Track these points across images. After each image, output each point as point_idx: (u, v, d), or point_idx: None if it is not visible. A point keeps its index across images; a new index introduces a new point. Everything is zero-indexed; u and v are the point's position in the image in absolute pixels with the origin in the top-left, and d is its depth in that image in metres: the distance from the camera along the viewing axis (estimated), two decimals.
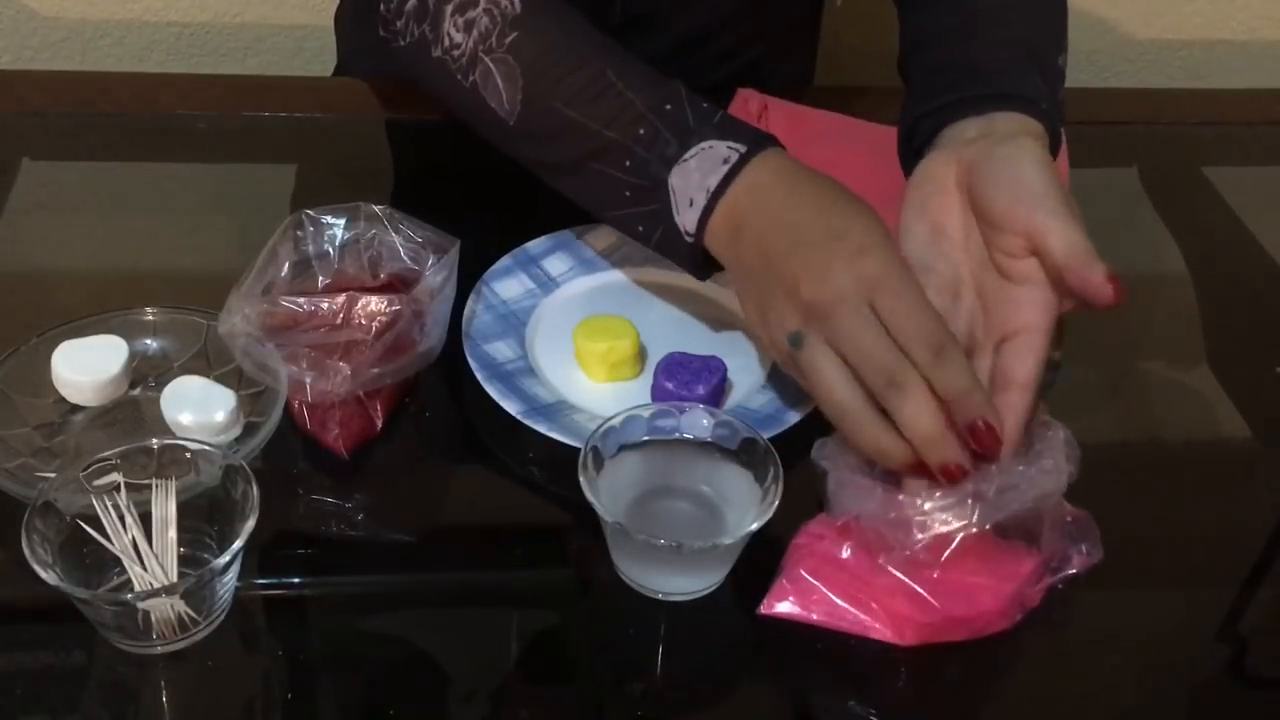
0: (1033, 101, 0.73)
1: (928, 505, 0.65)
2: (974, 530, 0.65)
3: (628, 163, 0.74)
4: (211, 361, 0.76)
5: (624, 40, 0.81)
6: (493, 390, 0.76)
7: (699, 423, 0.70)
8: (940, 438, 0.63)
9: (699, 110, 0.74)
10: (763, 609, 0.67)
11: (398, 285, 0.79)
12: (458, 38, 0.79)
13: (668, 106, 0.74)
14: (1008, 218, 0.67)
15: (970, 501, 0.65)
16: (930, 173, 0.72)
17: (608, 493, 0.66)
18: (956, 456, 0.63)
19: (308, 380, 0.71)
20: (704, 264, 0.75)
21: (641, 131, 0.74)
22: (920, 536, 0.64)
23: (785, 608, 0.67)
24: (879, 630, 0.66)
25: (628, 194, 0.75)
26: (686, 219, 0.73)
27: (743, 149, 0.72)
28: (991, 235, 0.69)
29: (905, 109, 0.79)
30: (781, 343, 0.68)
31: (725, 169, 0.71)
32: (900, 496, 0.65)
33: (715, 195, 0.71)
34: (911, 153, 0.76)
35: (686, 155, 0.72)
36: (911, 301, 0.65)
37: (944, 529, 0.64)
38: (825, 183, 0.71)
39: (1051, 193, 0.67)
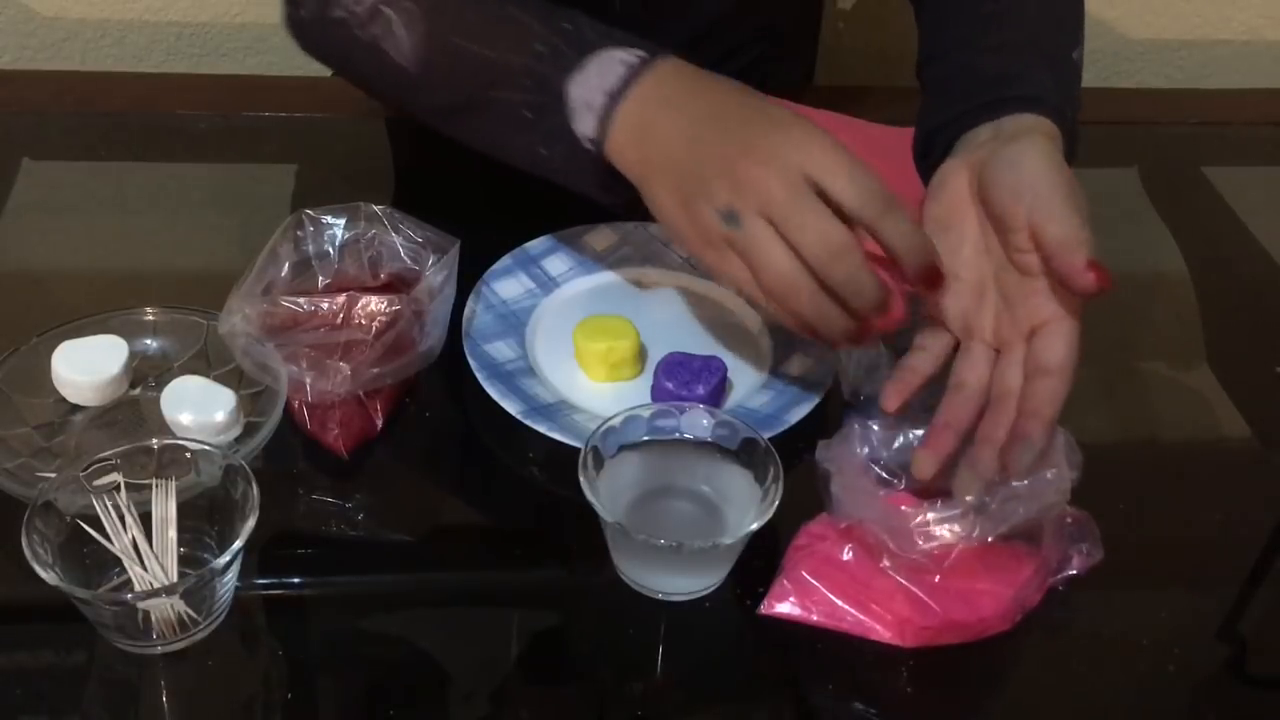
0: (1043, 101, 0.73)
1: (930, 515, 0.65)
2: (975, 542, 0.65)
3: (527, 81, 0.73)
4: (211, 361, 0.76)
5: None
6: (493, 390, 0.76)
7: (699, 423, 0.70)
8: (884, 301, 0.66)
9: (599, 28, 0.74)
10: (763, 609, 0.67)
11: (398, 285, 0.79)
12: None
13: (566, 25, 0.74)
14: (1010, 214, 0.67)
15: (972, 514, 0.65)
16: (944, 181, 0.72)
17: (608, 493, 0.66)
18: (897, 320, 0.67)
19: (308, 380, 0.71)
20: (609, 181, 0.74)
21: (540, 48, 0.73)
22: (922, 546, 0.64)
23: (785, 608, 0.67)
24: (879, 632, 0.66)
25: (528, 114, 0.74)
26: (586, 124, 0.72)
27: (643, 54, 0.72)
28: (1002, 234, 0.69)
29: (919, 120, 0.79)
30: (713, 227, 0.67)
31: (625, 70, 0.71)
32: (904, 506, 0.65)
33: (616, 97, 0.71)
34: (929, 167, 0.76)
35: (584, 63, 0.72)
36: (847, 165, 0.66)
37: (946, 539, 0.64)
38: (729, 80, 0.72)
39: (1050, 186, 0.67)
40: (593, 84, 0.71)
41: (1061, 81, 0.77)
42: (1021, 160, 0.68)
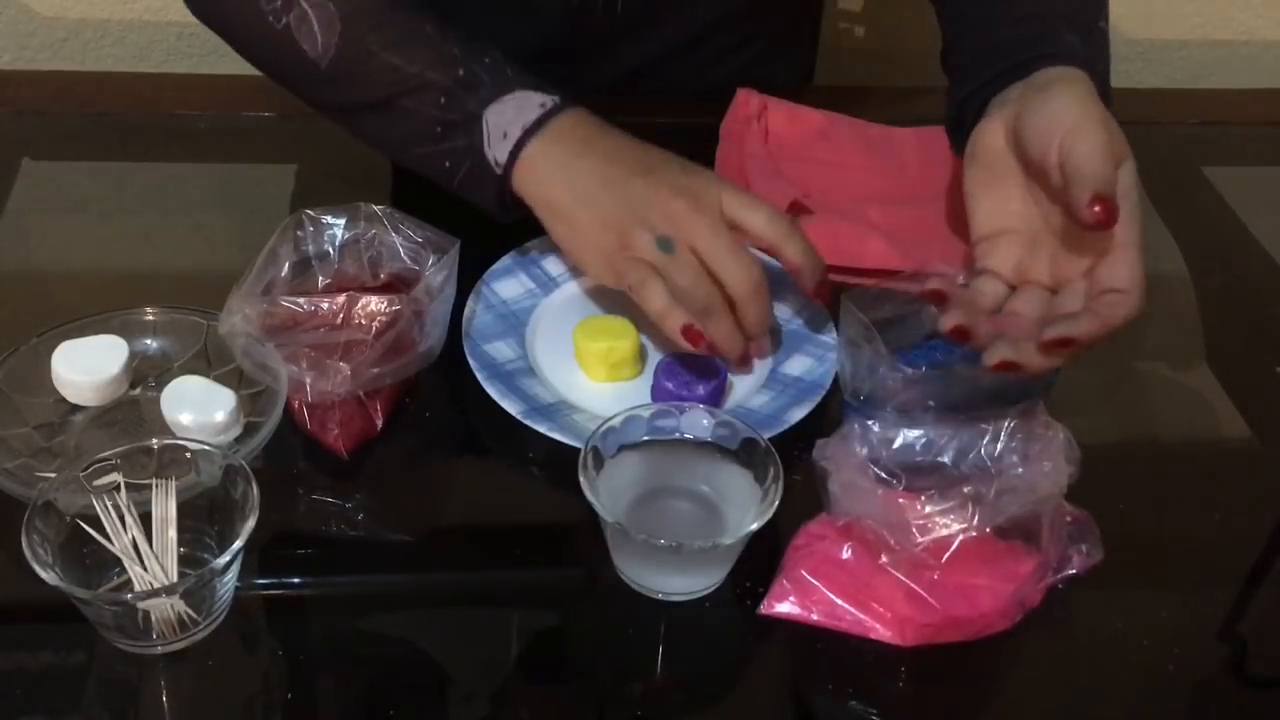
0: (1073, 56, 0.73)
1: (928, 508, 0.65)
2: (974, 532, 0.65)
3: (442, 99, 0.78)
4: (211, 361, 0.76)
5: (624, 39, 0.82)
6: (493, 390, 0.76)
7: (699, 423, 0.70)
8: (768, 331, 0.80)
9: (516, 68, 0.80)
10: (763, 609, 0.67)
11: (398, 285, 0.79)
12: None
13: (486, 60, 0.79)
14: (1045, 156, 0.68)
15: (970, 504, 0.65)
16: (981, 142, 0.72)
17: (608, 493, 0.66)
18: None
19: (308, 380, 0.71)
20: (506, 202, 0.80)
21: (460, 73, 0.78)
22: (920, 539, 0.64)
23: (785, 608, 0.67)
24: (879, 631, 0.66)
25: (438, 130, 0.79)
26: (499, 151, 0.78)
27: (557, 99, 0.79)
28: (1044, 181, 0.69)
29: (950, 96, 0.80)
30: (645, 251, 0.75)
31: (540, 111, 0.78)
32: (901, 499, 0.65)
33: (530, 132, 0.77)
34: (962, 135, 0.76)
35: (503, 97, 0.78)
36: (755, 201, 0.77)
37: (944, 531, 0.65)
38: (626, 133, 0.80)
39: (1079, 116, 0.67)
40: (509, 116, 0.78)
41: (1091, 46, 0.77)
42: (1051, 101, 0.69)
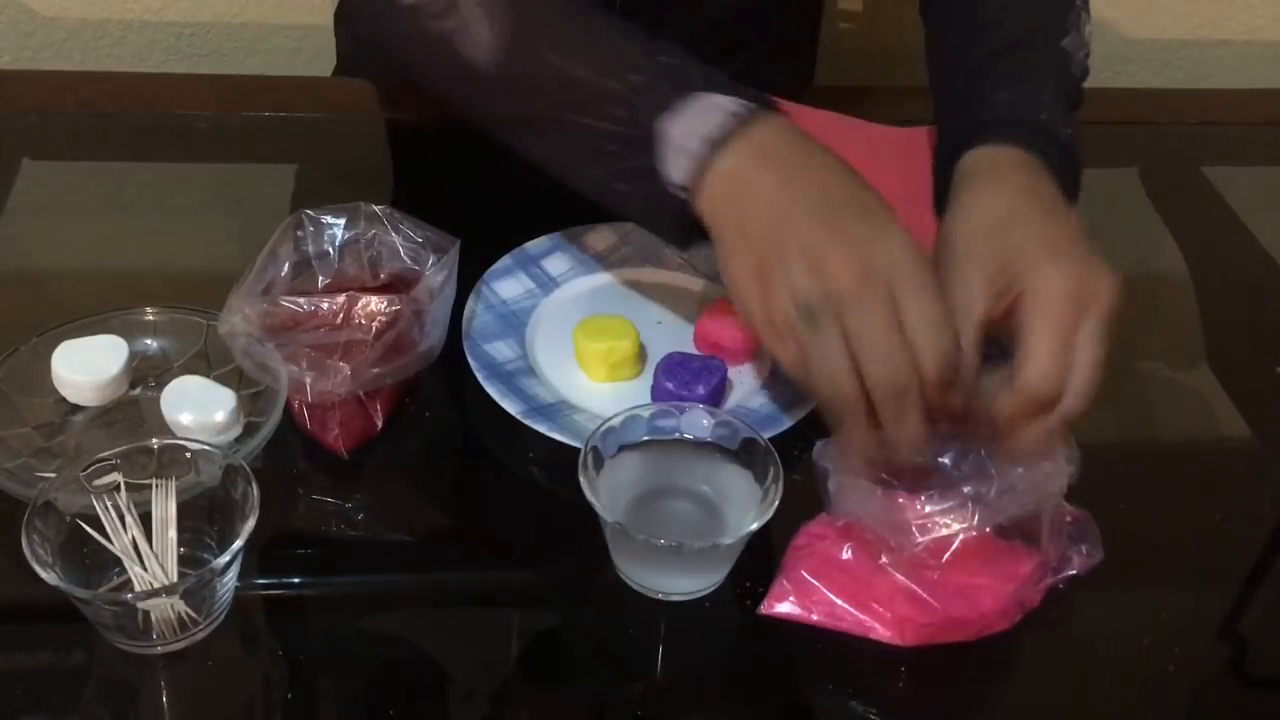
0: (1013, 123, 0.74)
1: (928, 508, 0.65)
2: (974, 532, 0.65)
3: (616, 110, 0.69)
4: (211, 361, 0.76)
5: None
6: (493, 390, 0.76)
7: (699, 423, 0.70)
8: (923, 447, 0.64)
9: (700, 66, 0.70)
10: (763, 609, 0.67)
11: (398, 285, 0.79)
12: None
13: (667, 59, 0.70)
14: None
15: (970, 504, 0.65)
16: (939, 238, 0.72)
17: (608, 493, 0.66)
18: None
19: (308, 380, 0.71)
20: (689, 229, 0.70)
21: (636, 78, 0.69)
22: (921, 539, 0.64)
23: (785, 608, 0.67)
24: (879, 631, 0.66)
25: (611, 147, 0.70)
26: (677, 169, 0.67)
27: (750, 105, 0.67)
28: None
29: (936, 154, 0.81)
30: (784, 314, 0.64)
31: (731, 120, 0.66)
32: (900, 499, 0.65)
33: (717, 146, 0.66)
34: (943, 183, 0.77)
35: (685, 103, 0.67)
36: (929, 303, 0.62)
37: (944, 531, 0.64)
38: (835, 157, 0.68)
39: (955, 252, 0.69)
40: (692, 128, 0.67)
41: (1042, 80, 0.77)
42: (946, 224, 0.71)
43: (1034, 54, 0.79)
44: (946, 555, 0.65)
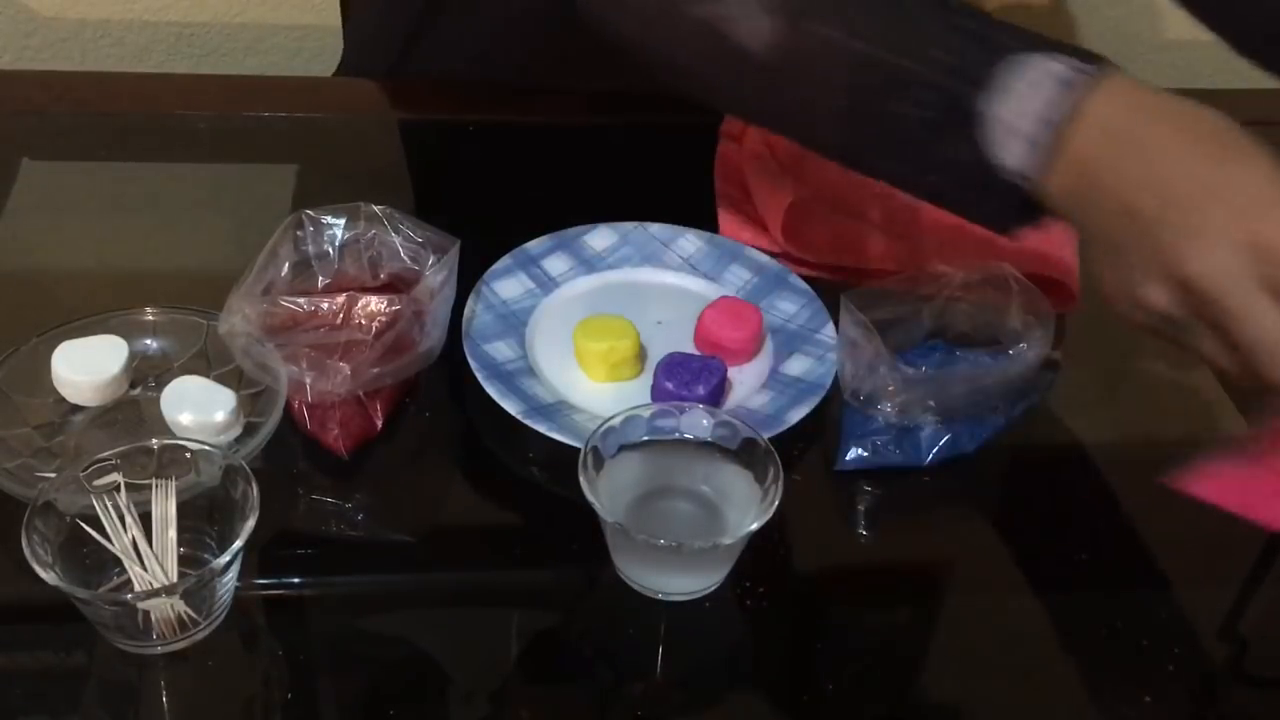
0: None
1: None
2: None
3: (923, 94, 0.61)
4: (211, 361, 0.76)
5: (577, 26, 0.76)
6: (493, 390, 0.76)
7: (699, 423, 0.70)
8: None
9: (1006, 26, 0.61)
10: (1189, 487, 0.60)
11: (398, 285, 0.79)
12: None
13: (969, 22, 0.61)
14: None
15: None
16: None
17: (608, 493, 0.66)
18: None
19: (308, 380, 0.71)
20: (1020, 214, 0.63)
21: (941, 54, 0.61)
22: None
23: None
24: None
25: (920, 134, 0.62)
26: (1011, 154, 0.59)
27: (1081, 66, 0.59)
28: None
29: None
30: (1149, 316, 0.59)
31: (1064, 90, 0.58)
32: None
33: (1057, 125, 0.58)
34: None
35: (1007, 77, 0.59)
36: None
37: None
38: (1190, 116, 0.60)
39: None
40: (1023, 105, 0.59)
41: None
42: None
43: None
44: None
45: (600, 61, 1.01)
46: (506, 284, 0.85)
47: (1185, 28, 1.53)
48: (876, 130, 0.65)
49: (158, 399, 0.73)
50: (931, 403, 0.74)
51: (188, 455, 0.66)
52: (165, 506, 0.64)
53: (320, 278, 0.79)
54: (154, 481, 0.65)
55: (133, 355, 0.75)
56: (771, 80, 0.67)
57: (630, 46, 0.72)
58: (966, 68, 0.60)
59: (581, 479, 0.65)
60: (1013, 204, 0.62)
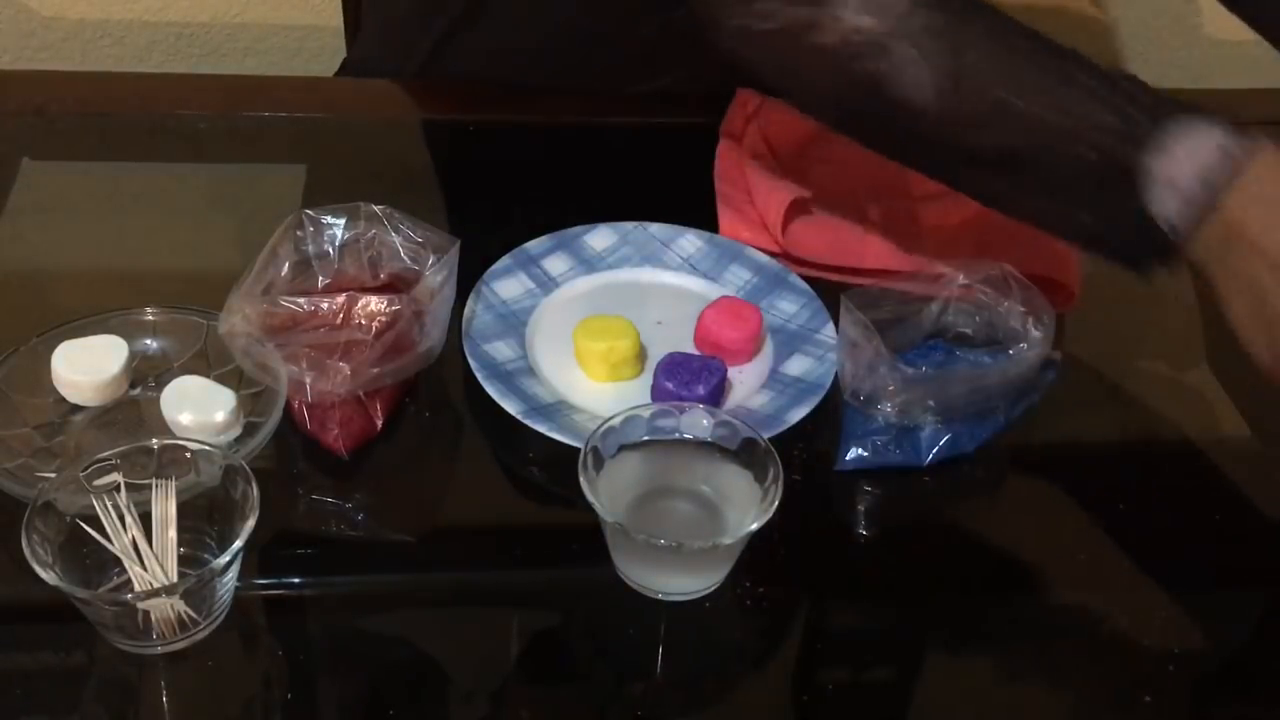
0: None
1: None
2: None
3: (1086, 152, 0.66)
4: (211, 361, 0.76)
5: (619, 36, 0.77)
6: (493, 390, 0.76)
7: (699, 423, 0.70)
8: None
9: (1158, 92, 0.67)
10: None
11: (398, 285, 0.79)
12: (858, 21, 0.69)
13: (1126, 84, 0.67)
14: None
15: None
16: None
17: (608, 493, 0.66)
18: None
19: (308, 380, 0.71)
20: (1158, 259, 0.68)
21: (1105, 115, 0.66)
22: None
23: None
24: None
25: (1082, 186, 0.68)
26: (1167, 208, 0.65)
27: (1240, 139, 0.65)
28: None
29: None
30: None
31: (1225, 160, 0.64)
32: None
33: (1217, 190, 0.64)
34: None
35: (1169, 137, 0.64)
36: None
37: None
38: None
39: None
40: (1183, 166, 0.64)
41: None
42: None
43: None
44: None
45: (633, 68, 1.00)
46: (506, 284, 0.85)
47: (1185, 27, 1.53)
48: (1033, 179, 0.69)
49: (158, 399, 0.73)
50: (931, 403, 0.74)
51: (188, 455, 0.66)
52: (165, 506, 0.65)
53: (320, 278, 0.79)
54: (154, 481, 0.65)
55: (133, 355, 0.75)
56: (934, 133, 0.71)
57: (769, 89, 0.76)
58: (1132, 130, 0.65)
59: (581, 479, 0.65)
60: (1156, 249, 0.68)
